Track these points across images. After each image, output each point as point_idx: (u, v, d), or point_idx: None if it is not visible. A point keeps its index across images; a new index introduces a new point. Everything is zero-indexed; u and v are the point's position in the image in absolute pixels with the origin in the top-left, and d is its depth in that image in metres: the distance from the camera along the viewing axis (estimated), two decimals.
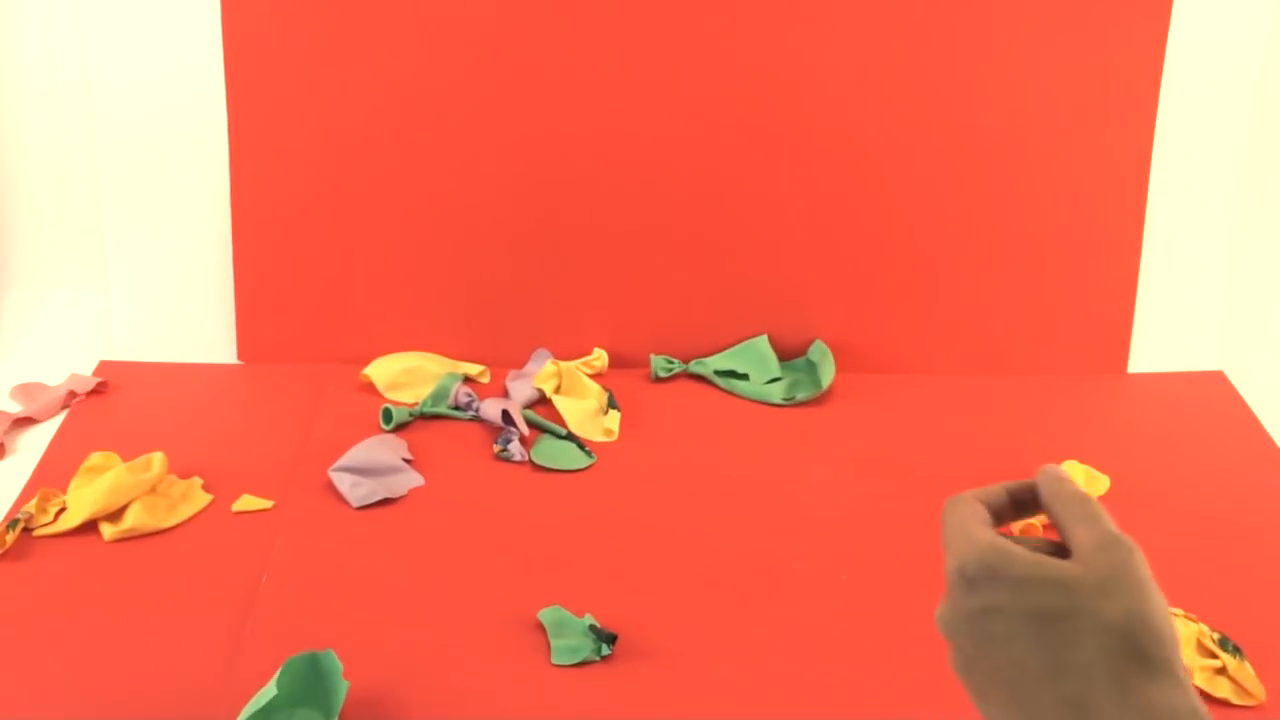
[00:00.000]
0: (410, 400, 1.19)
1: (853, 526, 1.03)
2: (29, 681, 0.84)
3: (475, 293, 1.26)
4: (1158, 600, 0.48)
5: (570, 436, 1.14)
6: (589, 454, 1.12)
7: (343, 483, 1.05)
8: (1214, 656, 0.85)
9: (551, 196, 1.24)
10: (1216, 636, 0.87)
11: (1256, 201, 1.30)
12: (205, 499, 1.04)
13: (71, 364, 1.24)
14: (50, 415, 1.17)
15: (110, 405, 1.19)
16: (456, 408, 1.18)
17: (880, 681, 0.86)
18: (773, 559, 0.99)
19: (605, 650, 0.87)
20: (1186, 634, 0.86)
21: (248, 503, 1.04)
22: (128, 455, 1.05)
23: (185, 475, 1.06)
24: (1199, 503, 1.07)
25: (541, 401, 1.20)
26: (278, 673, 0.79)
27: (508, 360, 1.26)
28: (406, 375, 1.21)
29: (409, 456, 1.10)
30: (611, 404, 1.18)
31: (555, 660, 0.87)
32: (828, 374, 1.22)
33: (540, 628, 0.90)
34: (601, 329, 1.27)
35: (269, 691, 0.78)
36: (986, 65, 1.22)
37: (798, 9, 1.20)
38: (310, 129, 1.23)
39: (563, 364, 1.22)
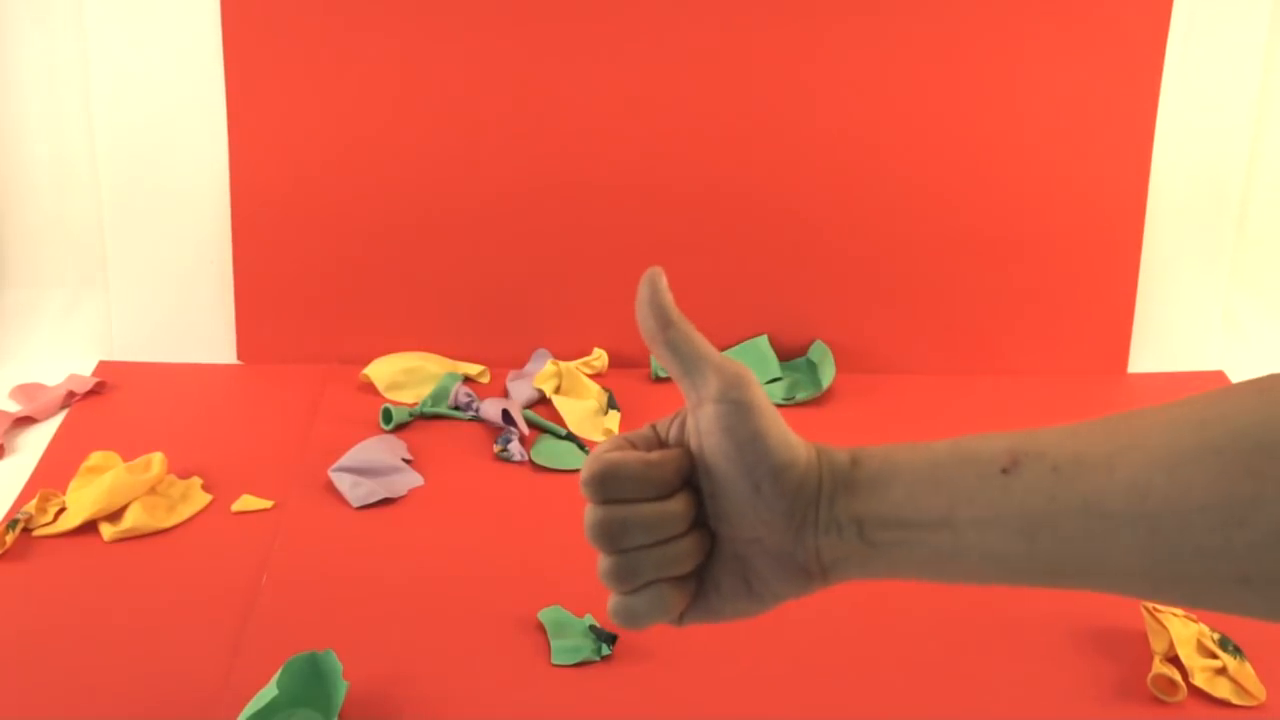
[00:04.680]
0: (410, 400, 1.19)
1: None
2: (29, 681, 0.84)
3: (475, 293, 1.26)
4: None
5: (570, 436, 1.14)
6: (589, 454, 1.12)
7: (343, 483, 1.05)
8: (1214, 656, 0.85)
9: (552, 197, 1.24)
10: (1216, 636, 0.87)
11: (1256, 201, 1.30)
12: (205, 499, 1.04)
13: (71, 364, 1.24)
14: (50, 415, 1.17)
15: (110, 405, 1.19)
16: (456, 408, 1.18)
17: (880, 681, 0.86)
18: None
19: (605, 650, 0.87)
20: (1186, 634, 0.86)
21: (248, 503, 1.04)
22: (128, 455, 1.05)
23: (185, 475, 1.06)
24: None
25: (541, 401, 1.20)
26: (278, 673, 0.79)
27: (508, 360, 1.26)
28: (406, 375, 1.21)
29: (409, 456, 1.10)
30: (611, 404, 1.18)
31: (555, 660, 0.87)
32: (828, 374, 1.22)
33: (540, 628, 0.90)
34: (601, 329, 1.27)
35: (269, 691, 0.78)
36: (987, 67, 1.22)
37: (798, 13, 1.20)
38: (310, 130, 1.23)
39: (563, 364, 1.22)
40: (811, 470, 0.49)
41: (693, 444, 0.49)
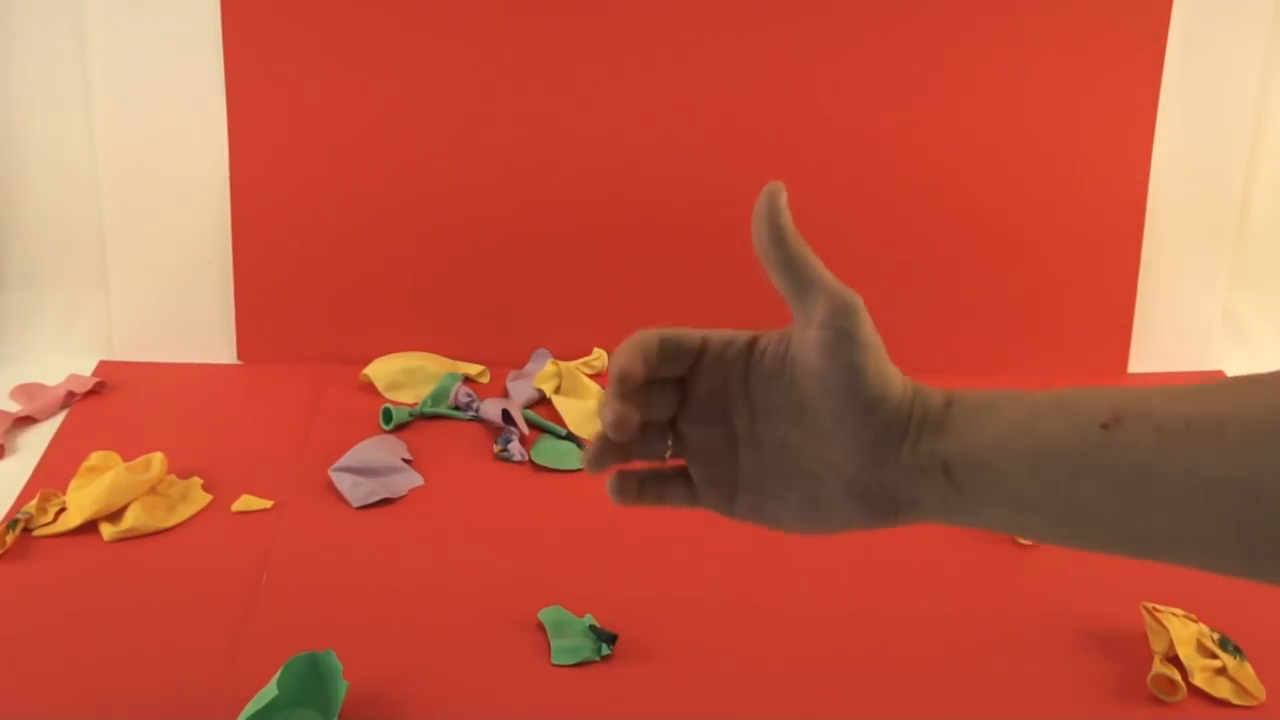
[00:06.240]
0: (410, 400, 1.19)
1: None
2: (29, 681, 0.84)
3: (475, 293, 1.26)
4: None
5: (570, 436, 1.14)
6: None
7: (343, 483, 1.05)
8: (1214, 656, 0.85)
9: (551, 197, 1.25)
10: (1216, 636, 0.87)
11: (1256, 202, 1.30)
12: (205, 499, 1.04)
13: (71, 364, 1.24)
14: (50, 415, 1.17)
15: (110, 405, 1.19)
16: (456, 408, 1.18)
17: (880, 681, 0.86)
18: (772, 559, 0.99)
19: (605, 650, 0.87)
20: (1186, 634, 0.86)
21: (248, 503, 1.04)
22: (128, 455, 1.05)
23: (185, 475, 1.06)
24: None
25: (541, 401, 1.20)
26: (278, 673, 0.79)
27: (508, 360, 1.26)
28: (406, 375, 1.21)
29: (409, 456, 1.10)
30: None
31: (555, 660, 0.87)
32: None
33: (540, 628, 0.90)
34: (601, 329, 1.27)
35: (269, 691, 0.78)
36: (986, 67, 1.22)
37: (798, 16, 1.20)
38: (310, 130, 1.23)
39: (563, 364, 1.22)
40: (903, 408, 0.48)
41: (794, 360, 0.49)
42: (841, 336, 0.47)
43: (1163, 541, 0.43)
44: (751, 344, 0.51)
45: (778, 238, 0.49)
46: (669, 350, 0.50)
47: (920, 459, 0.47)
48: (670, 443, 0.52)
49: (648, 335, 0.50)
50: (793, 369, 0.49)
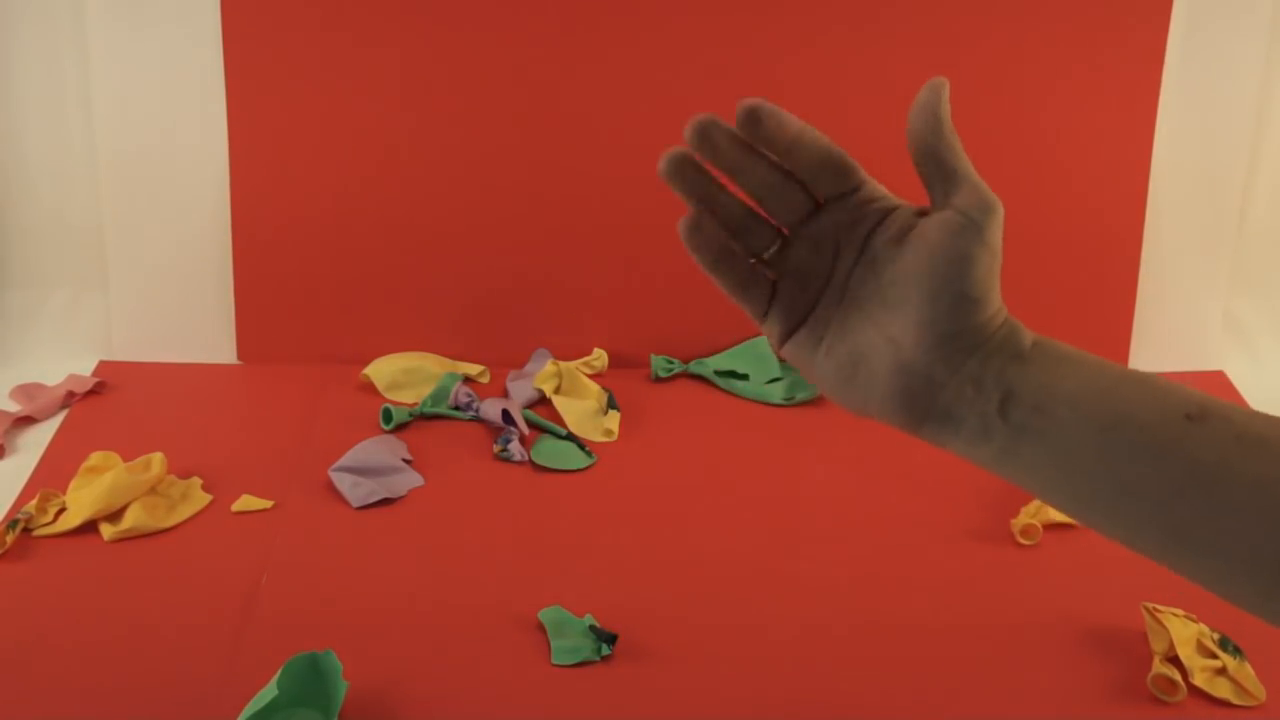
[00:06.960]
0: (410, 400, 1.19)
1: (853, 527, 1.03)
2: (29, 681, 0.84)
3: (475, 293, 1.26)
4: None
5: (570, 436, 1.14)
6: (589, 454, 1.12)
7: (343, 483, 1.05)
8: (1214, 656, 0.85)
9: (551, 197, 1.25)
10: (1216, 636, 0.87)
11: (1256, 202, 1.30)
12: (205, 499, 1.04)
13: (71, 364, 1.24)
14: (50, 415, 1.17)
15: (110, 405, 1.19)
16: (456, 408, 1.18)
17: (880, 682, 0.86)
18: (773, 559, 0.99)
19: (605, 650, 0.87)
20: (1187, 634, 0.86)
21: (248, 503, 1.04)
22: (128, 455, 1.05)
23: (185, 475, 1.06)
24: None
25: (541, 401, 1.20)
26: (278, 673, 0.79)
27: (508, 360, 1.26)
28: (406, 375, 1.21)
29: (409, 457, 1.10)
30: (611, 404, 1.18)
31: (555, 660, 0.87)
32: None
33: (540, 628, 0.90)
34: (601, 329, 1.27)
35: (269, 691, 0.78)
36: (986, 67, 1.22)
37: (798, 15, 1.20)
38: (310, 129, 1.23)
39: (563, 364, 1.22)
40: (990, 324, 0.48)
41: (918, 231, 0.49)
42: (970, 225, 0.48)
43: (1197, 545, 0.43)
44: (895, 208, 0.52)
45: (935, 127, 0.50)
46: (835, 164, 0.52)
47: (984, 376, 0.47)
48: (775, 249, 0.53)
49: (824, 140, 0.51)
50: (913, 239, 0.49)
